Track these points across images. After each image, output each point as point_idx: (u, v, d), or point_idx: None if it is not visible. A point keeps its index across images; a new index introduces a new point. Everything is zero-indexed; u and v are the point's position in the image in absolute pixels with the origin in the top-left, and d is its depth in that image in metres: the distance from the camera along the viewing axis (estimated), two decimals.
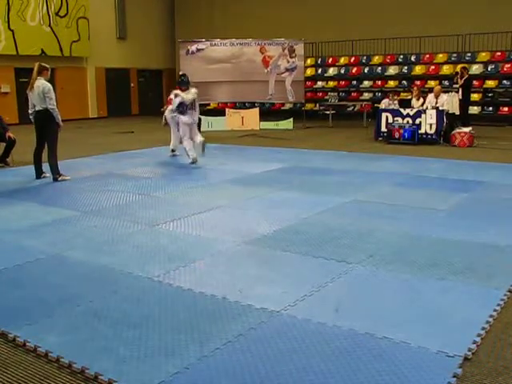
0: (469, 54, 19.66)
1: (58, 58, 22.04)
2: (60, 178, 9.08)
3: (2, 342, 3.52)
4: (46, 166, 9.28)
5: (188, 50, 19.82)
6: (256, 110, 18.52)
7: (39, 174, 9.32)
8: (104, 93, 24.43)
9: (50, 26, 21.61)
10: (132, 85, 25.66)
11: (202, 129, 15.45)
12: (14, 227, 6.22)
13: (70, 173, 9.84)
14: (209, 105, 21.77)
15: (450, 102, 14.23)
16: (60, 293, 4.28)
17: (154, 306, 4.00)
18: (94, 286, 4.43)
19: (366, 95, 21.27)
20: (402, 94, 19.10)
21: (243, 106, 21.60)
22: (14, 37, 20.27)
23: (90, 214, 6.86)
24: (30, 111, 9.24)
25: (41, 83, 8.85)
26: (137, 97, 25.64)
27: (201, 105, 16.69)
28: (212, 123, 17.68)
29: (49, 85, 8.92)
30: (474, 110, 17.81)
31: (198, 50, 19.82)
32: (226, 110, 19.07)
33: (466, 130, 13.41)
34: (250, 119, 18.05)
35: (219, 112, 19.86)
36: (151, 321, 3.74)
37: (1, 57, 19.34)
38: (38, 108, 8.96)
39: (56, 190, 8.37)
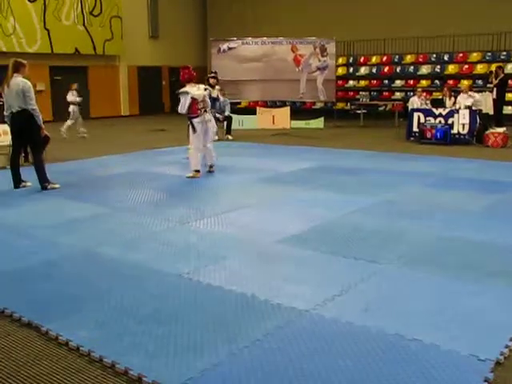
0: (504, 53, 19.32)
1: (92, 56, 22.35)
2: (49, 187, 8.20)
3: (36, 335, 3.59)
4: (28, 174, 8.52)
5: (220, 48, 19.92)
6: (287, 109, 18.49)
7: (17, 182, 8.38)
8: (136, 91, 24.67)
9: (84, 25, 21.92)
10: (164, 83, 25.85)
11: (232, 127, 15.55)
12: (47, 223, 6.32)
13: (102, 170, 9.98)
14: (240, 103, 21.82)
15: (484, 101, 14.01)
16: (91, 288, 4.34)
17: (184, 302, 4.03)
18: (125, 282, 4.48)
19: (398, 95, 21.06)
20: (434, 93, 18.87)
21: (274, 104, 21.60)
22: (49, 36, 20.62)
23: (122, 210, 6.94)
24: (5, 113, 8.22)
25: (19, 81, 7.94)
26: (168, 95, 25.80)
27: (232, 103, 16.82)
28: (243, 122, 17.70)
29: (29, 83, 7.99)
30: (508, 109, 17.47)
31: (230, 48, 19.90)
32: (257, 108, 19.08)
33: (500, 130, 13.19)
34: (281, 118, 18.03)
35: (250, 111, 19.88)
36: (180, 318, 3.77)
37: (36, 56, 19.66)
38: (15, 109, 7.98)
39: (88, 187, 8.47)
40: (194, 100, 9.03)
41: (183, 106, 9.06)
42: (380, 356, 3.24)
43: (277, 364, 3.16)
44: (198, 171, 9.17)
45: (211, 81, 11.33)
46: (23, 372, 3.14)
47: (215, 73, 10.86)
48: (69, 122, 15.58)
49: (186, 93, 9.06)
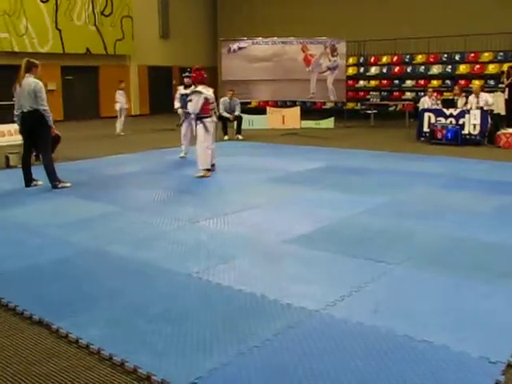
0: None
1: (103, 56, 22.46)
2: (60, 185, 8.22)
3: (46, 332, 3.61)
4: (39, 173, 8.55)
5: (230, 48, 19.91)
6: (297, 109, 18.45)
7: (28, 181, 8.44)
8: (146, 90, 24.76)
9: (95, 24, 22.03)
10: (174, 82, 25.89)
11: (242, 127, 15.56)
12: (57, 221, 6.35)
13: (112, 169, 10.02)
14: (250, 103, 21.82)
15: (496, 102, 13.93)
16: (102, 287, 4.36)
17: (193, 302, 4.04)
18: (135, 281, 4.50)
19: (409, 95, 20.99)
20: (444, 93, 18.79)
21: (284, 104, 21.57)
22: (60, 36, 20.73)
23: (132, 209, 6.96)
24: (16, 112, 8.31)
25: (31, 81, 8.01)
26: None
27: (242, 103, 16.83)
28: (253, 121, 17.70)
29: (40, 83, 8.05)
30: None
31: (240, 48, 19.89)
32: (267, 108, 19.05)
33: None
34: (291, 118, 17.99)
35: (260, 110, 19.86)
36: (190, 317, 3.77)
37: (48, 55, 19.77)
38: (26, 109, 8.05)
39: (98, 186, 8.50)
40: (206, 100, 9.13)
41: (196, 106, 9.12)
42: (389, 356, 3.23)
43: (286, 364, 3.16)
44: (209, 170, 9.22)
45: (186, 80, 11.28)
46: (34, 369, 3.16)
47: (190, 72, 10.62)
48: (122, 119, 16.32)
49: (200, 93, 9.14)
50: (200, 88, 9.20)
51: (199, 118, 9.21)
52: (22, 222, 6.36)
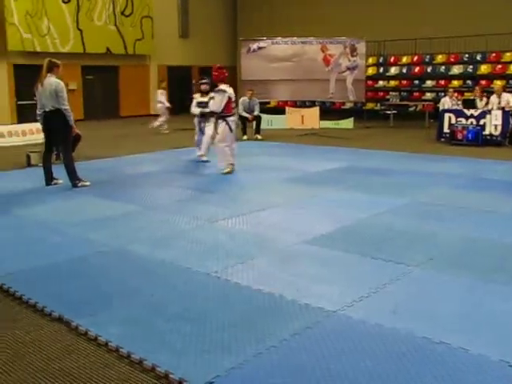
0: None
1: (123, 55, 22.58)
2: (80, 184, 8.29)
3: (66, 329, 3.65)
4: (60, 171, 8.61)
5: (249, 48, 19.91)
6: (316, 109, 18.44)
7: (49, 180, 8.51)
8: (166, 90, 24.79)
9: (115, 24, 22.15)
10: (194, 82, 25.96)
11: (261, 127, 15.56)
12: (78, 220, 6.41)
13: (131, 168, 10.08)
14: (269, 103, 21.80)
15: None
16: (121, 285, 4.39)
17: (212, 301, 4.05)
18: (154, 279, 4.52)
19: (429, 95, 20.81)
20: (465, 93, 18.61)
21: (303, 104, 21.52)
22: (81, 36, 20.89)
23: (152, 208, 7.00)
24: (38, 111, 8.45)
25: (53, 81, 8.09)
26: None
27: (261, 103, 16.82)
28: (272, 121, 17.71)
29: (61, 83, 8.15)
30: None
31: (260, 48, 19.89)
32: (286, 108, 19.06)
33: None
34: (310, 118, 17.99)
35: (279, 110, 19.85)
36: (208, 316, 3.78)
37: (69, 55, 19.93)
38: (48, 108, 8.16)
39: (118, 185, 8.56)
40: (229, 99, 9.21)
41: (219, 105, 9.16)
42: (408, 358, 3.21)
43: (304, 364, 3.16)
44: (232, 164, 9.40)
45: (202, 87, 10.60)
46: (53, 365, 3.19)
47: (206, 78, 10.39)
48: (163, 118, 16.67)
49: (224, 91, 9.19)
50: (224, 87, 9.25)
51: (222, 116, 9.25)
52: (43, 221, 6.42)
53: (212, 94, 9.70)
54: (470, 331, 3.55)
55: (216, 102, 9.23)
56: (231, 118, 9.32)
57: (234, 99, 9.40)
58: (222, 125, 9.23)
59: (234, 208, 6.96)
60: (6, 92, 19.28)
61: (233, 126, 9.31)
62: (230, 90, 9.29)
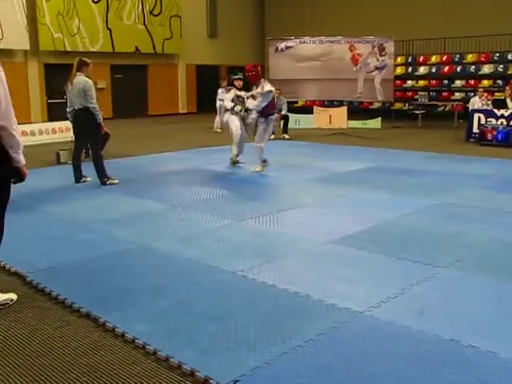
0: None
1: (151, 54, 22.76)
2: (108, 182, 8.39)
3: (93, 325, 3.69)
4: (89, 169, 8.72)
5: (277, 47, 19.92)
6: (344, 109, 18.36)
7: (78, 177, 8.63)
8: (194, 89, 24.97)
9: (144, 24, 22.33)
10: (221, 81, 26.02)
11: (289, 126, 15.55)
12: (106, 217, 6.48)
13: (159, 167, 10.15)
14: (297, 102, 21.77)
15: None
16: (148, 283, 4.42)
17: (238, 300, 4.06)
18: (180, 277, 4.55)
19: (458, 95, 20.56)
20: (496, 93, 18.34)
21: (331, 104, 21.45)
22: (110, 35, 21.12)
23: (178, 207, 7.04)
24: (68, 109, 8.65)
25: (81, 80, 8.20)
26: None
27: (289, 102, 16.81)
28: (299, 121, 17.68)
29: (90, 82, 8.26)
30: None
31: (287, 47, 19.88)
32: (314, 107, 19.00)
33: None
34: (338, 117, 17.92)
35: (307, 110, 19.81)
36: (234, 315, 3.80)
37: (98, 54, 20.16)
38: (77, 106, 8.29)
39: (145, 183, 8.62)
40: (273, 98, 9.29)
41: (263, 103, 9.15)
42: (434, 360, 3.18)
43: (330, 364, 3.15)
44: (264, 161, 9.50)
45: (237, 83, 10.34)
46: (81, 361, 3.23)
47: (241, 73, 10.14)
48: (218, 118, 16.29)
49: (270, 92, 9.19)
50: (269, 86, 9.16)
51: (264, 115, 9.24)
52: (72, 217, 6.51)
53: (254, 92, 9.43)
54: (499, 334, 3.50)
55: (261, 101, 9.11)
56: (273, 117, 9.41)
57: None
58: (262, 122, 9.25)
59: (261, 207, 6.97)
60: (37, 91, 19.58)
61: (272, 125, 9.35)
62: (273, 88, 9.28)
